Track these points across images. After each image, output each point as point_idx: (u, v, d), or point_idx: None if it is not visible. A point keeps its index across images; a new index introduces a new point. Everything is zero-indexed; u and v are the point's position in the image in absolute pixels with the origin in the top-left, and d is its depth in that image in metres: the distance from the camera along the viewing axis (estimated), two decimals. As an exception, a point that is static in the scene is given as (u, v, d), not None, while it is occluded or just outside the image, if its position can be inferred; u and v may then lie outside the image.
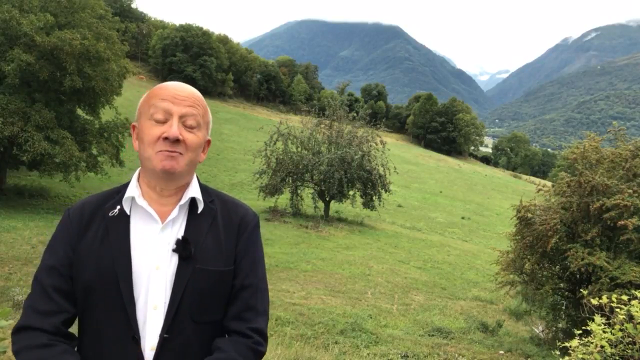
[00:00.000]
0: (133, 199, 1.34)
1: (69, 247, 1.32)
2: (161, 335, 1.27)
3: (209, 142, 1.43)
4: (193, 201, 1.38)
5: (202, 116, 1.36)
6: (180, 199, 1.36)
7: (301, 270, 13.31)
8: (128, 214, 1.33)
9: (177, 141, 1.28)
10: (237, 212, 1.44)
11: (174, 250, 1.30)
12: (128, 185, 1.38)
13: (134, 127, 1.39)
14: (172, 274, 1.29)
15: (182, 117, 1.31)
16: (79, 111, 19.38)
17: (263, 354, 1.37)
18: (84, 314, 1.33)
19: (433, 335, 9.11)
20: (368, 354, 7.21)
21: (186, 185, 1.38)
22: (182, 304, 1.28)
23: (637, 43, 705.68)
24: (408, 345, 8.14)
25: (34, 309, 1.28)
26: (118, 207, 1.35)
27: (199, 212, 1.37)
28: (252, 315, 1.37)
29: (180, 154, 1.30)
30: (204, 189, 1.44)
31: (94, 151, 18.48)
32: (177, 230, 1.34)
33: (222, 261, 1.35)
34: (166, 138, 1.28)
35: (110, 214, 1.34)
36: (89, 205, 1.38)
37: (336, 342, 7.65)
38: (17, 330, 1.27)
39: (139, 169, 1.39)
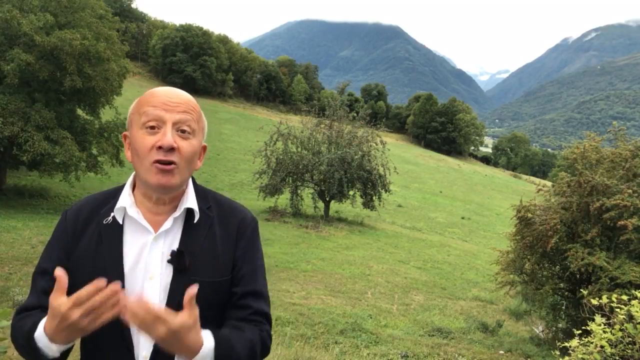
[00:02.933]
0: (125, 208, 1.31)
1: (63, 253, 1.32)
2: (155, 345, 1.25)
3: (204, 148, 1.39)
4: (190, 210, 1.34)
5: (197, 122, 1.31)
6: (175, 208, 1.33)
7: (301, 270, 13.32)
8: (120, 223, 1.31)
9: (171, 149, 1.24)
10: (235, 217, 1.41)
11: (168, 262, 1.28)
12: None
13: (125, 136, 1.34)
14: (167, 284, 1.28)
15: (175, 124, 1.26)
16: (79, 111, 19.37)
17: (268, 350, 1.37)
18: None
19: (433, 335, 9.11)
20: (368, 354, 7.21)
21: (182, 193, 1.35)
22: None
23: (637, 43, 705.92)
24: (408, 345, 8.14)
25: (25, 307, 1.32)
26: (112, 214, 1.32)
27: (194, 221, 1.34)
28: (259, 318, 1.37)
29: (175, 164, 1.25)
30: (200, 193, 1.40)
31: (94, 151, 18.48)
32: (172, 240, 1.31)
33: (218, 272, 1.33)
34: (160, 147, 1.23)
35: (104, 222, 1.32)
36: (85, 208, 1.36)
37: (336, 342, 7.65)
38: (11, 327, 1.32)
39: (134, 174, 1.35)
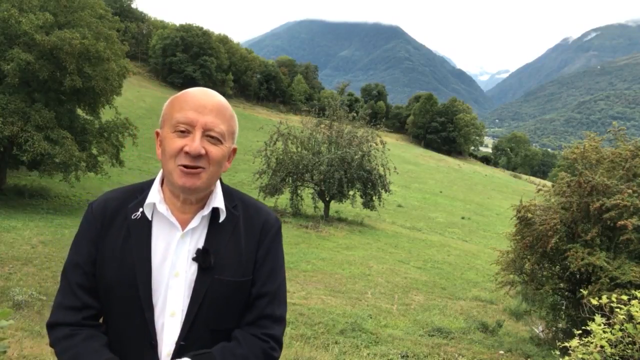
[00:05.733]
0: (154, 204, 1.33)
1: (93, 245, 1.34)
2: (177, 343, 1.29)
3: (234, 150, 1.39)
4: (216, 209, 1.36)
5: (228, 126, 1.32)
6: (202, 207, 1.35)
7: (301, 270, 13.32)
8: (150, 219, 1.33)
9: (199, 155, 1.25)
10: (259, 217, 1.42)
11: (193, 259, 1.30)
12: (151, 186, 1.37)
13: (157, 133, 1.35)
14: (191, 282, 1.30)
15: (206, 129, 1.27)
16: (79, 111, 19.37)
17: (276, 359, 1.37)
18: (106, 314, 1.36)
19: (433, 335, 9.11)
20: (368, 354, 7.21)
21: (210, 193, 1.36)
22: (199, 312, 1.30)
23: (637, 43, 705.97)
24: (408, 345, 8.14)
25: (61, 305, 1.33)
26: (140, 209, 1.34)
27: (220, 221, 1.35)
28: (268, 323, 1.37)
29: (203, 168, 1.26)
30: (227, 192, 1.41)
31: (94, 151, 18.47)
32: (198, 238, 1.33)
33: (241, 271, 1.35)
34: (187, 152, 1.24)
35: (133, 217, 1.33)
36: (112, 202, 1.37)
37: (336, 342, 7.65)
38: (50, 326, 1.33)
39: (162, 170, 1.36)
